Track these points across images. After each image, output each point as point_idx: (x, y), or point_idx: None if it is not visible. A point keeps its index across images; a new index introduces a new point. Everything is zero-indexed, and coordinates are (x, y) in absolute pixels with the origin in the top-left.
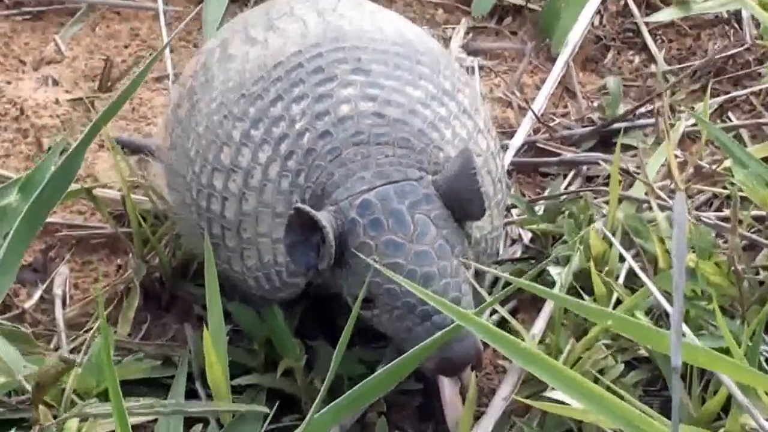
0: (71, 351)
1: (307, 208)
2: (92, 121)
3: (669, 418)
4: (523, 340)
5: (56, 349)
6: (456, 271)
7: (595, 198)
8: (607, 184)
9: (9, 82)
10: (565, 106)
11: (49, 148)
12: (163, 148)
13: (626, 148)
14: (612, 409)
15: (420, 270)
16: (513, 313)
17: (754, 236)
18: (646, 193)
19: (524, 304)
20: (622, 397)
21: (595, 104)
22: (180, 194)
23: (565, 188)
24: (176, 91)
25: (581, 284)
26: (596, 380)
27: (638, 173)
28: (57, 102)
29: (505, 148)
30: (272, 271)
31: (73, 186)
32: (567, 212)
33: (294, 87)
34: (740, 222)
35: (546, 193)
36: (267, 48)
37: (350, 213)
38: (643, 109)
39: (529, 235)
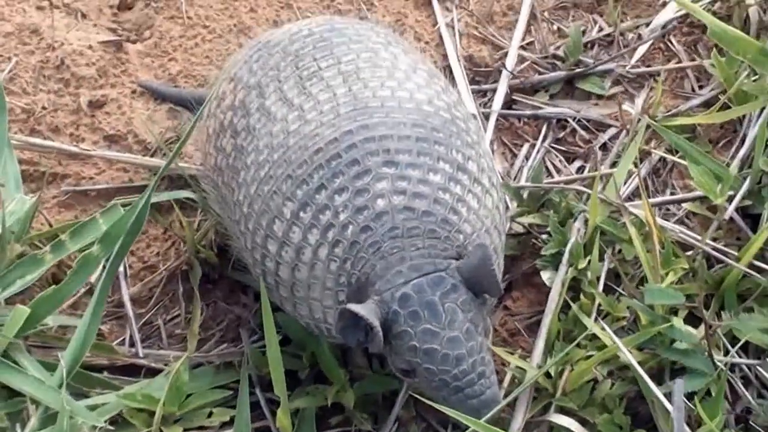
0: (143, 341)
1: (356, 308)
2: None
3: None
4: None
5: (131, 344)
6: (480, 347)
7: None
8: (573, 133)
9: (43, 19)
10: (529, 32)
11: (90, 102)
12: (204, 161)
13: (587, 95)
14: None
15: (452, 353)
16: (507, 290)
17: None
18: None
19: (518, 283)
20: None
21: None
22: (227, 217)
23: (541, 143)
24: (213, 116)
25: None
26: (592, 391)
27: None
28: (90, 48)
29: (485, 103)
30: (322, 326)
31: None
32: (552, 208)
33: (335, 178)
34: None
35: (524, 150)
36: (305, 122)
37: (393, 305)
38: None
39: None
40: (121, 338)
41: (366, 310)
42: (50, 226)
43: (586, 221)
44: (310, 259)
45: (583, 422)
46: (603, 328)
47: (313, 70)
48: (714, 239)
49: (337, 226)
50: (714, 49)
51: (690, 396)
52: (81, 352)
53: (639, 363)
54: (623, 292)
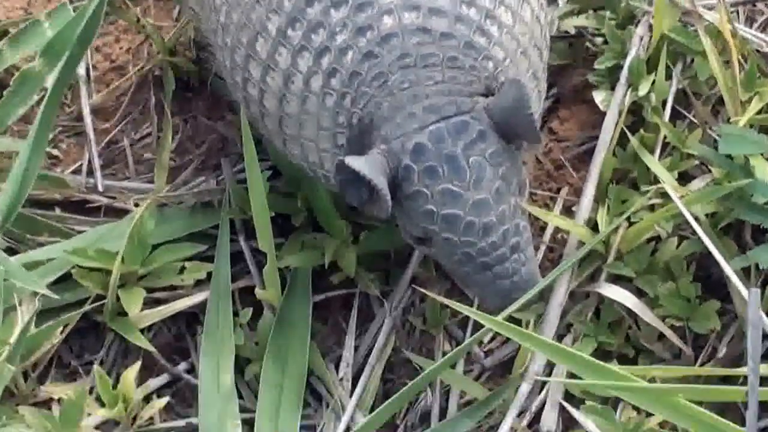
0: (104, 168)
1: (357, 164)
2: None
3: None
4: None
5: (90, 171)
6: (513, 212)
7: None
8: None
9: None
10: None
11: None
12: None
13: None
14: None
15: (478, 221)
16: (553, 107)
17: None
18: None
19: (567, 99)
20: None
21: None
22: (205, 22)
23: None
24: None
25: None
26: (653, 252)
27: None
28: None
29: None
30: (319, 172)
31: None
32: (609, 8)
33: None
34: None
35: None
36: None
37: (404, 158)
38: None
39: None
40: (79, 163)
41: (369, 165)
42: None
43: (650, 27)
44: (301, 89)
45: (640, 293)
46: (668, 168)
47: None
48: None
49: (332, 51)
50: None
51: None
52: (18, 197)
53: (711, 217)
54: (694, 120)
